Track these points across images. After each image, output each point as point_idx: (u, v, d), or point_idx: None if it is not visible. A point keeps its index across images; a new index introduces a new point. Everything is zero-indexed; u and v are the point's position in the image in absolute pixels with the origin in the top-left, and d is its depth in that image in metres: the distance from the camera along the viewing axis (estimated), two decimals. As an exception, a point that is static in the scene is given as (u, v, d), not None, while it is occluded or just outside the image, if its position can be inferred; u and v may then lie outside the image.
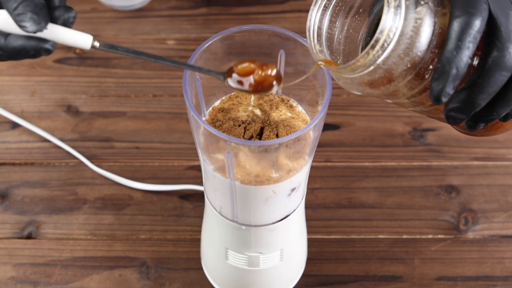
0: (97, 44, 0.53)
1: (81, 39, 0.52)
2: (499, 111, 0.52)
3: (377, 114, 0.95)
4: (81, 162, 0.91)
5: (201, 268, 0.82)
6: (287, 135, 0.62)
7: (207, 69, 0.57)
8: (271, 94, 0.67)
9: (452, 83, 0.49)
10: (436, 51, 0.51)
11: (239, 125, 0.63)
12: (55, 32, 0.51)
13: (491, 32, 0.50)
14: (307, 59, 0.62)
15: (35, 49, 0.52)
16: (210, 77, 0.59)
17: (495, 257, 0.83)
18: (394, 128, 0.94)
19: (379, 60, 0.51)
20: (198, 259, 0.83)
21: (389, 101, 0.56)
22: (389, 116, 0.95)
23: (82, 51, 1.01)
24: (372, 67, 0.51)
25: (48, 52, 0.52)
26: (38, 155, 0.91)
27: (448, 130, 0.93)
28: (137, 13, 1.05)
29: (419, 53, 0.51)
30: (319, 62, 0.55)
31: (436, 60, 0.51)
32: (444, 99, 0.50)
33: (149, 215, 0.87)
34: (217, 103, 0.66)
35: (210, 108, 0.66)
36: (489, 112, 0.52)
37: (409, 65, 0.51)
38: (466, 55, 0.49)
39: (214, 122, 0.64)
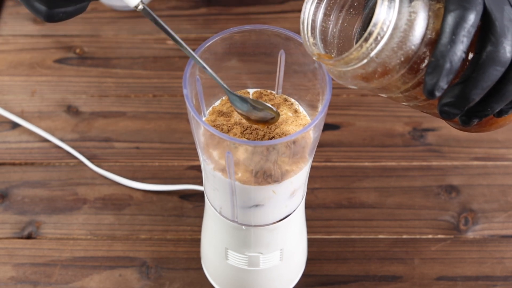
0: (141, 6, 0.57)
1: None
2: (493, 106, 0.52)
3: (377, 114, 0.95)
4: (81, 162, 0.91)
5: (201, 268, 0.82)
6: (287, 135, 0.62)
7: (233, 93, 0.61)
8: (272, 93, 0.67)
9: (446, 77, 0.49)
10: (430, 45, 0.50)
11: (240, 125, 0.63)
12: None
13: (486, 26, 0.50)
14: (307, 59, 0.62)
15: None
16: (211, 77, 0.59)
17: (495, 257, 0.83)
18: (394, 128, 0.94)
19: (373, 53, 0.50)
20: (198, 259, 0.83)
21: (383, 95, 0.55)
22: (389, 116, 0.95)
23: (82, 51, 1.01)
24: (365, 60, 0.51)
25: None
26: (38, 155, 0.91)
27: (448, 130, 0.93)
28: (137, 13, 1.05)
29: (412, 47, 0.50)
30: (313, 56, 0.55)
31: (430, 54, 0.51)
32: (438, 94, 0.50)
33: (149, 215, 0.86)
34: (217, 103, 0.66)
35: (210, 108, 0.66)
36: (483, 107, 0.52)
37: (402, 59, 0.51)
38: (460, 49, 0.49)
39: (214, 122, 0.64)
